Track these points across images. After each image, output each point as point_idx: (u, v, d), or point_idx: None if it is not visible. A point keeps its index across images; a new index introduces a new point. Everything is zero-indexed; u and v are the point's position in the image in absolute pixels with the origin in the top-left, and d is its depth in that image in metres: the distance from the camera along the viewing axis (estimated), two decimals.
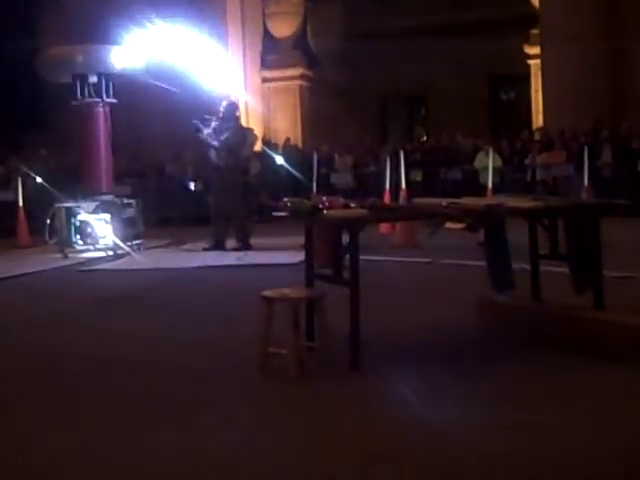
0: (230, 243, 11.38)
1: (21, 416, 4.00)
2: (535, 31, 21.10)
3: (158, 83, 12.57)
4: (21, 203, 14.55)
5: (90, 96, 12.14)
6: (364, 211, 4.64)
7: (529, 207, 4.90)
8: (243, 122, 18.69)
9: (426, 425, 3.62)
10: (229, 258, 10.43)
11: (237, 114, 12.05)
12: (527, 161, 17.17)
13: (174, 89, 12.88)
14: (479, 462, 3.14)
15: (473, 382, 4.23)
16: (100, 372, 4.79)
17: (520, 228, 5.29)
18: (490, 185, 12.53)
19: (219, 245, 11.34)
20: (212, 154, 11.44)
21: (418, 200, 5.46)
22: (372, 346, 4.77)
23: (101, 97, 12.16)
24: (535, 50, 21.16)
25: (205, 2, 20.56)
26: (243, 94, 21.09)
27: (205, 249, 11.37)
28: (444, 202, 4.87)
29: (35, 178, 18.03)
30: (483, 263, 5.49)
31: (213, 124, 11.36)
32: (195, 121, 11.43)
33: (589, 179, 13.33)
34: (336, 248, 4.85)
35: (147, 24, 12.46)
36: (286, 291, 4.66)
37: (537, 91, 21.44)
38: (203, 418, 3.84)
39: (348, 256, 4.57)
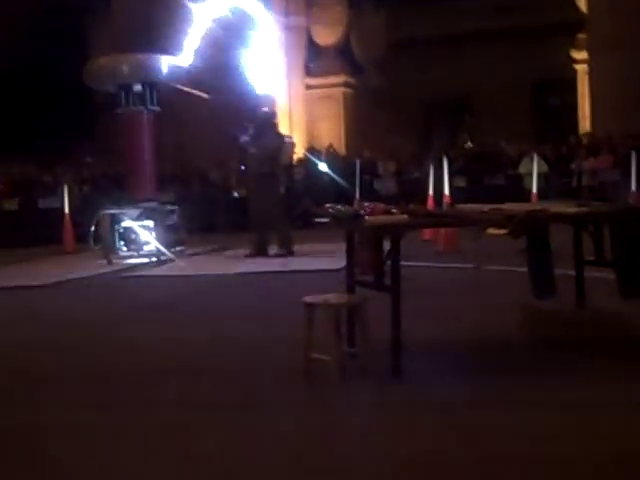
0: (272, 249, 11.40)
1: (56, 419, 4.03)
2: (582, 36, 20.91)
3: (198, 92, 12.66)
4: (67, 210, 14.72)
5: (135, 104, 12.28)
6: (405, 217, 4.61)
7: (573, 213, 4.83)
8: (287, 129, 18.79)
9: (468, 432, 3.58)
10: (271, 264, 10.45)
11: (275, 121, 12.08)
12: (573, 166, 17.00)
13: (212, 97, 12.96)
14: (520, 469, 3.10)
15: (517, 388, 4.17)
16: (147, 377, 4.81)
17: (565, 234, 5.22)
18: (535, 191, 12.41)
19: (261, 251, 11.36)
20: (250, 162, 11.49)
21: (460, 206, 5.41)
22: (414, 353, 4.73)
23: (145, 105, 12.29)
24: (582, 55, 20.98)
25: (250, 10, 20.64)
26: (286, 101, 21.17)
27: (247, 256, 11.41)
28: (486, 208, 4.82)
29: (81, 185, 18.30)
30: (526, 269, 5.43)
31: (251, 131, 11.41)
32: (232, 129, 11.50)
33: (637, 184, 13.13)
34: (377, 254, 4.82)
35: (191, 33, 12.56)
36: (328, 297, 4.65)
37: (584, 96, 21.25)
38: (246, 422, 3.85)
39: (389, 262, 4.55)
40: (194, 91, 12.64)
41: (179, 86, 12.74)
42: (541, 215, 4.66)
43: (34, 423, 3.93)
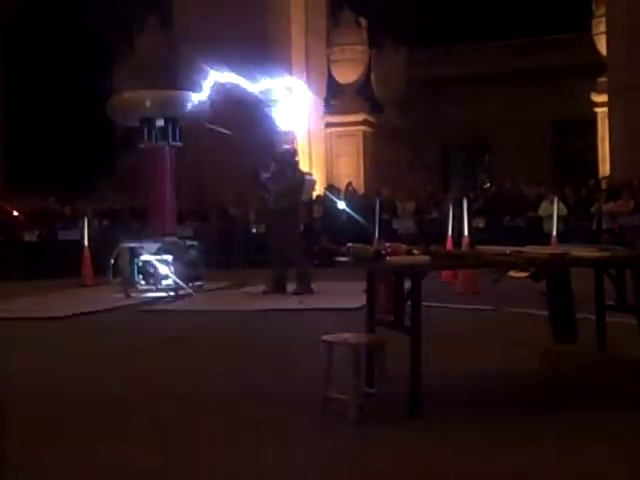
0: (291, 287, 11.40)
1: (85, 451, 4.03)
2: (602, 79, 20.97)
3: (220, 129, 12.75)
4: (86, 243, 14.79)
5: (157, 140, 12.36)
6: (427, 258, 4.61)
7: (595, 257, 4.82)
8: (306, 166, 18.88)
9: (487, 475, 3.55)
10: (289, 302, 10.44)
11: (296, 159, 12.14)
12: (593, 210, 16.95)
13: (233, 133, 13.04)
14: None
15: (535, 432, 4.14)
16: (163, 411, 4.81)
17: (585, 278, 5.20)
18: (555, 233, 12.38)
19: (279, 288, 11.36)
20: (270, 198, 11.53)
21: (481, 248, 5.41)
22: (432, 394, 4.70)
23: (167, 140, 12.37)
24: (602, 98, 21.02)
25: (271, 48, 20.87)
26: (306, 138, 21.29)
27: (265, 292, 11.41)
28: (507, 250, 4.82)
29: (101, 218, 18.41)
30: (546, 312, 5.41)
31: (272, 168, 11.47)
32: (254, 166, 11.56)
33: None
34: (398, 294, 4.82)
35: (213, 71, 12.67)
36: (347, 336, 4.64)
37: (604, 139, 21.25)
38: (259, 458, 3.84)
39: (410, 303, 4.54)
40: (216, 127, 12.71)
41: (202, 122, 12.82)
42: (563, 259, 4.65)
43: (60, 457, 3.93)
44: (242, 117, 13.16)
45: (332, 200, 17.91)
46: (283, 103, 12.42)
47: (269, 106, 12.37)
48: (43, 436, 4.33)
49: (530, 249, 4.99)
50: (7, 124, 25.33)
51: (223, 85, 12.32)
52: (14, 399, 4.73)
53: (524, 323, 7.87)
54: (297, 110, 12.26)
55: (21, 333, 8.09)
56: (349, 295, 10.23)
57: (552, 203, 14.09)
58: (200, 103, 12.32)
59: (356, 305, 8.85)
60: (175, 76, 19.82)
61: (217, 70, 12.68)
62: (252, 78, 12.43)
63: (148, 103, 12.36)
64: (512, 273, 4.78)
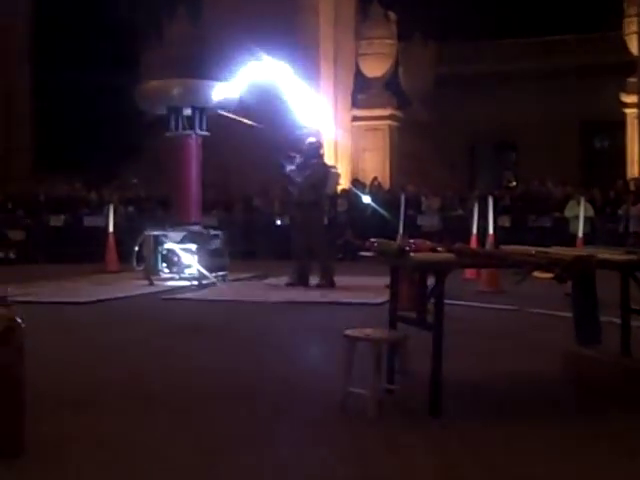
0: (313, 279, 11.40)
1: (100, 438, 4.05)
2: (632, 79, 20.78)
3: (245, 120, 12.75)
4: (111, 229, 14.85)
5: (184, 128, 12.39)
6: (451, 255, 4.58)
7: (621, 260, 4.77)
8: (332, 160, 18.85)
9: (504, 476, 3.53)
10: (312, 294, 10.44)
11: (321, 152, 12.11)
12: (620, 212, 16.82)
13: (260, 125, 13.04)
14: None
15: (553, 435, 4.11)
16: (178, 400, 4.81)
17: (611, 280, 5.16)
18: (581, 235, 12.28)
19: (302, 281, 11.36)
20: (295, 190, 11.52)
21: (506, 247, 5.37)
22: (452, 392, 4.68)
23: (194, 129, 12.40)
24: (632, 99, 20.84)
25: (299, 41, 20.85)
26: (333, 132, 21.25)
27: (288, 284, 11.41)
28: (533, 250, 4.78)
29: (126, 205, 18.50)
30: (570, 314, 5.37)
31: (297, 161, 11.46)
32: (279, 158, 11.55)
33: None
34: (421, 291, 4.80)
35: (241, 61, 12.67)
36: (369, 331, 4.63)
37: (633, 140, 21.08)
38: (278, 451, 3.83)
39: (432, 300, 4.52)
40: (246, 120, 12.70)
41: (229, 114, 12.82)
42: (589, 261, 4.61)
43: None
44: (268, 109, 13.13)
45: (357, 194, 17.88)
46: (309, 97, 12.41)
47: (295, 100, 12.35)
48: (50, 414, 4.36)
49: (556, 250, 4.95)
50: (37, 110, 25.49)
51: (251, 76, 12.33)
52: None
53: (547, 324, 7.84)
54: (322, 105, 12.24)
55: (44, 317, 8.12)
56: (372, 290, 10.24)
57: (579, 204, 13.99)
58: (228, 93, 12.33)
59: (378, 300, 8.86)
60: (203, 66, 19.85)
61: (245, 61, 12.69)
62: (279, 70, 12.42)
63: (176, 92, 12.40)
64: (537, 274, 4.75)
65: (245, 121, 12.86)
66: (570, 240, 12.34)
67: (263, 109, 13.45)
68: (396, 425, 4.30)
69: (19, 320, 3.59)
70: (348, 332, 4.59)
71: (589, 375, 5.14)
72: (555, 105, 24.11)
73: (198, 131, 12.47)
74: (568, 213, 16.51)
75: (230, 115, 12.77)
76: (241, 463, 3.70)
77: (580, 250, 5.72)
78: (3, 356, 3.49)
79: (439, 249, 4.68)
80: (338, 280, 11.41)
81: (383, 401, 4.50)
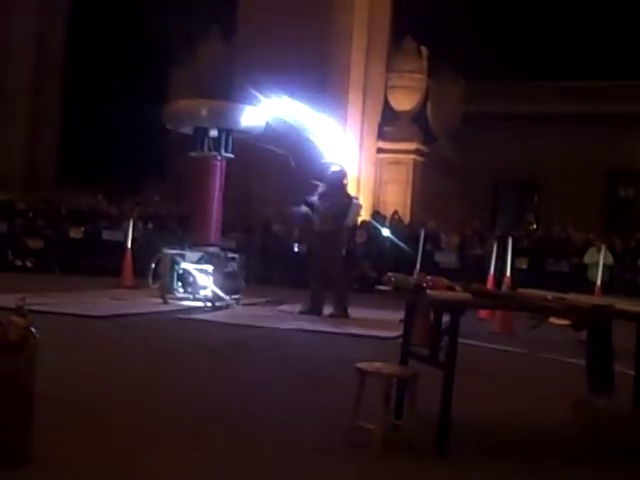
0: (327, 309, 11.38)
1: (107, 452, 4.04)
2: None
3: (270, 146, 12.79)
4: (129, 245, 14.89)
5: (209, 149, 12.44)
6: (468, 295, 4.57)
7: (639, 311, 4.74)
8: (354, 190, 18.87)
9: None
10: (325, 324, 10.42)
11: (344, 181, 12.13)
12: None
13: (285, 153, 13.07)
14: None
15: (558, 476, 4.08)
16: (185, 421, 4.80)
17: (627, 330, 5.12)
18: (599, 282, 12.21)
19: (316, 310, 11.34)
20: (316, 219, 11.53)
21: (523, 290, 5.35)
22: (460, 432, 4.65)
23: (219, 151, 12.45)
24: None
25: (330, 68, 20.97)
26: (357, 162, 21.30)
27: (301, 312, 11.40)
28: (549, 296, 4.76)
29: (146, 222, 18.58)
30: (582, 362, 5.33)
31: (320, 189, 11.48)
32: (313, 182, 11.58)
33: None
34: (435, 329, 4.79)
35: (271, 87, 12.75)
36: (380, 366, 4.61)
37: None
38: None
39: (446, 338, 4.51)
40: (273, 148, 12.73)
41: (257, 141, 12.86)
42: (606, 310, 4.58)
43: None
44: (295, 136, 13.16)
45: (376, 226, 17.88)
46: (335, 128, 12.48)
47: (320, 131, 12.40)
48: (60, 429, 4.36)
49: (573, 297, 4.92)
50: (65, 122, 25.72)
51: (279, 102, 12.39)
52: None
53: (559, 370, 7.78)
54: (348, 135, 12.28)
55: (56, 328, 8.14)
56: (385, 324, 10.21)
57: (599, 251, 13.92)
58: (255, 118, 12.39)
59: (391, 334, 8.84)
60: (232, 88, 19.98)
61: (275, 87, 12.76)
62: (309, 97, 12.49)
63: (204, 112, 12.45)
64: (553, 319, 4.72)
65: (277, 150, 12.88)
66: (587, 287, 12.28)
67: (288, 136, 13.48)
68: (401, 461, 4.28)
69: (33, 330, 3.60)
70: (359, 365, 4.57)
71: (600, 425, 5.09)
72: (583, 150, 24.03)
73: (223, 153, 12.51)
74: (587, 260, 16.43)
75: (264, 145, 12.81)
76: None
77: (598, 299, 5.68)
78: (15, 364, 3.50)
79: (456, 288, 4.67)
80: (352, 311, 11.39)
81: (390, 436, 4.47)
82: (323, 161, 12.16)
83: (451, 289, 4.65)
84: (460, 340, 4.50)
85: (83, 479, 3.62)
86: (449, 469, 4.16)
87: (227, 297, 11.77)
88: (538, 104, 24.39)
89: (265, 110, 12.43)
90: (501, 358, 8.63)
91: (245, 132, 12.65)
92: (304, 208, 11.59)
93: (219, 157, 12.52)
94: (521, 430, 5.31)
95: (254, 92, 12.69)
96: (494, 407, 5.85)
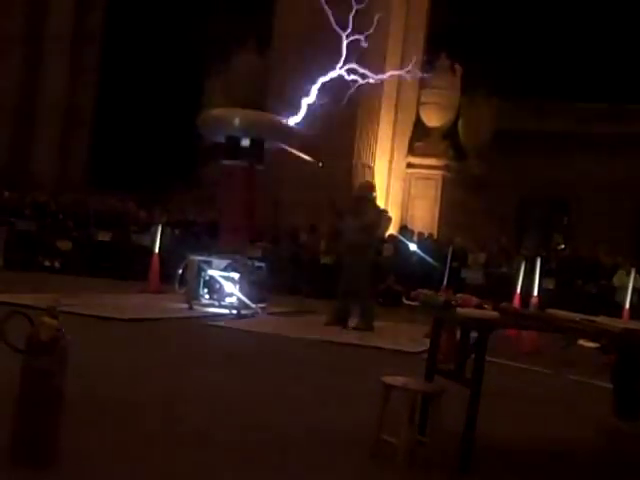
0: (352, 321, 11.37)
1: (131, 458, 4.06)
2: None
3: (304, 156, 12.82)
4: (157, 250, 14.95)
5: (240, 158, 12.48)
6: (496, 314, 4.56)
7: None
8: (383, 203, 18.88)
9: None
10: (350, 336, 10.40)
11: (374, 194, 12.13)
12: None
13: (315, 161, 13.10)
14: None
15: None
16: (207, 428, 4.81)
17: None
18: (627, 305, 12.11)
19: (341, 321, 11.34)
20: (346, 232, 11.55)
21: (551, 311, 5.32)
22: (483, 451, 4.63)
23: (250, 161, 12.49)
24: None
25: (363, 85, 20.99)
26: (386, 177, 21.32)
27: (327, 323, 11.39)
28: (578, 317, 4.73)
29: (174, 227, 18.66)
30: (609, 385, 5.30)
31: (350, 203, 11.51)
32: (334, 200, 11.62)
33: None
34: (463, 346, 4.78)
35: (304, 97, 12.80)
36: (406, 381, 4.60)
37: None
38: None
39: (473, 356, 4.50)
40: (307, 157, 12.77)
41: (290, 149, 12.90)
42: (636, 334, 4.55)
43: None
44: (326, 148, 13.19)
45: (404, 241, 17.87)
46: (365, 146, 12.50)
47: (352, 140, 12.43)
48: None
49: (602, 320, 4.89)
50: (97, 125, 25.95)
51: (312, 114, 12.44)
52: None
53: (585, 392, 7.73)
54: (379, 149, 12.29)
55: (83, 330, 8.20)
56: (409, 338, 10.20)
57: (628, 274, 13.81)
58: (289, 127, 12.45)
59: (416, 349, 8.82)
60: (265, 98, 20.08)
61: (308, 98, 12.81)
62: (341, 111, 12.53)
63: (237, 121, 12.50)
64: (582, 341, 4.70)
65: (307, 158, 12.92)
66: (615, 309, 12.18)
67: (320, 146, 13.52)
68: (424, 477, 4.26)
69: (64, 331, 3.63)
70: (385, 379, 4.57)
71: (625, 450, 5.05)
72: (614, 171, 23.88)
73: (254, 163, 12.56)
74: (616, 282, 16.29)
75: (293, 151, 12.85)
76: None
77: (628, 323, 5.64)
78: (46, 365, 3.53)
79: (485, 306, 4.66)
80: (377, 325, 11.37)
81: (413, 452, 4.46)
82: (354, 173, 12.19)
83: (480, 307, 4.64)
84: (486, 358, 4.48)
85: (111, 479, 3.63)
86: None
87: (253, 305, 11.80)
88: (569, 123, 24.29)
89: (297, 120, 12.48)
90: (527, 377, 8.57)
91: (276, 142, 12.69)
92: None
93: (250, 166, 12.56)
94: (544, 451, 5.28)
95: (286, 102, 12.76)
96: (518, 426, 5.82)
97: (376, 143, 22.01)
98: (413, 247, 17.30)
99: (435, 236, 21.16)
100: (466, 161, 24.46)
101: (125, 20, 25.37)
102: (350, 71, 19.80)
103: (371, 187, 12.12)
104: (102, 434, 4.34)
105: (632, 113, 24.23)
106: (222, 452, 4.36)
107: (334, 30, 20.44)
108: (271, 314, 12.29)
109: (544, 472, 4.70)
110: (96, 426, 4.48)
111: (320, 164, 12.75)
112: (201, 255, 12.43)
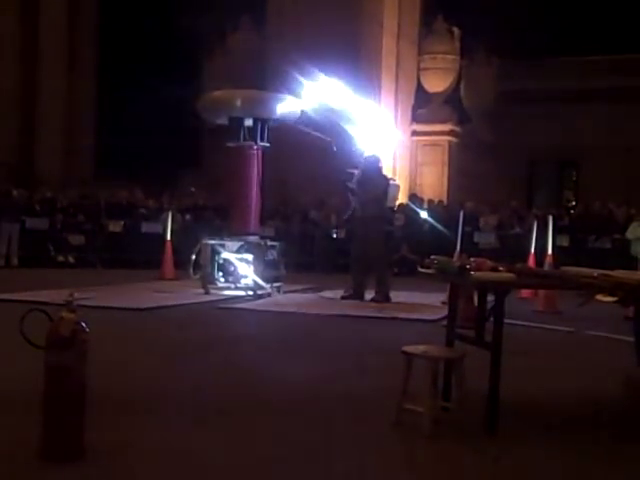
0: (369, 294, 11.38)
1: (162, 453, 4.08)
2: None
3: (312, 131, 12.76)
4: (169, 237, 14.99)
5: (245, 139, 12.44)
6: (513, 275, 4.55)
7: None
8: (390, 173, 18.83)
9: None
10: (368, 309, 10.42)
11: (380, 165, 12.11)
12: None
13: (327, 138, 13.03)
14: None
15: (613, 458, 4.05)
16: (234, 410, 4.83)
17: None
18: None
19: (358, 295, 11.35)
20: (356, 205, 11.54)
21: (567, 268, 5.31)
22: (509, 412, 4.63)
23: (255, 141, 12.45)
24: None
25: (362, 54, 20.92)
26: (392, 146, 21.24)
27: (343, 297, 11.41)
28: (595, 273, 4.72)
29: (184, 213, 18.68)
30: (630, 339, 5.29)
31: (357, 176, 11.48)
32: (343, 179, 11.58)
33: None
34: (481, 310, 4.78)
35: (305, 74, 12.73)
36: (426, 348, 4.61)
37: None
38: (333, 466, 3.83)
39: (491, 319, 4.50)
40: (316, 133, 12.70)
41: (297, 125, 12.84)
42: None
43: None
44: (330, 123, 13.13)
45: (414, 209, 17.83)
46: (369, 112, 12.44)
47: (355, 114, 12.38)
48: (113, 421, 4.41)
49: (619, 273, 4.87)
50: (100, 116, 25.95)
51: (312, 89, 12.38)
52: None
53: (606, 347, 7.73)
54: (383, 118, 12.22)
55: (102, 322, 8.24)
56: (428, 306, 10.21)
57: None
58: (290, 105, 12.39)
59: (435, 317, 8.83)
60: (266, 77, 20.01)
61: (308, 73, 12.75)
62: (343, 83, 12.46)
63: (238, 102, 12.45)
64: (600, 297, 4.69)
65: (319, 134, 12.85)
66: (631, 262, 12.16)
67: (324, 123, 13.46)
68: (451, 443, 4.28)
69: (84, 325, 3.64)
70: (405, 348, 4.57)
71: None
72: (620, 125, 23.72)
73: (259, 142, 12.52)
74: (630, 235, 16.19)
75: (305, 129, 12.79)
76: (296, 473, 3.72)
77: None
78: (67, 360, 3.55)
79: (500, 269, 4.65)
80: (394, 295, 11.38)
81: (439, 419, 4.47)
82: (357, 148, 12.14)
83: (495, 270, 4.63)
84: (505, 320, 4.48)
85: (135, 473, 3.65)
86: (499, 449, 4.16)
87: (268, 285, 11.82)
88: (571, 79, 24.11)
89: (300, 96, 12.42)
90: (547, 337, 8.58)
91: (281, 120, 12.65)
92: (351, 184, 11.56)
93: (255, 146, 12.52)
94: (570, 408, 5.29)
95: (287, 79, 12.70)
96: (542, 385, 5.82)
97: (379, 113, 21.93)
98: (424, 215, 17.24)
99: (445, 202, 21.10)
100: (471, 125, 24.34)
101: (119, 10, 25.28)
102: (348, 41, 19.73)
103: (377, 159, 12.08)
104: (126, 428, 4.35)
105: (635, 63, 24.01)
106: (249, 431, 4.39)
107: (328, 4, 20.40)
108: (287, 292, 12.32)
109: (570, 428, 4.71)
110: (119, 420, 4.49)
111: (334, 148, 12.67)
112: (213, 239, 12.44)
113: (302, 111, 12.53)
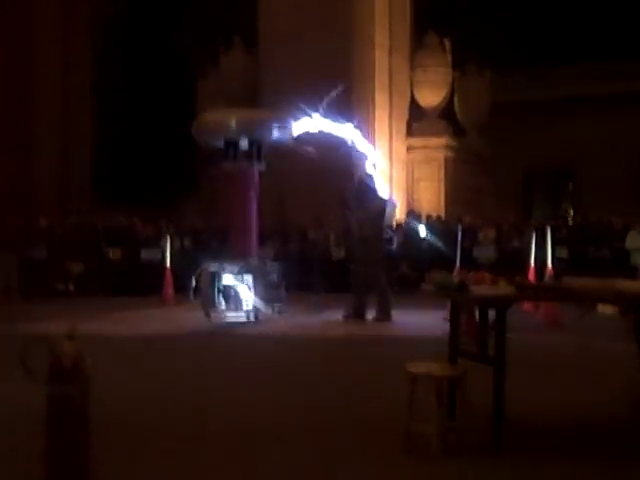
0: (370, 313, 11.35)
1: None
2: None
3: (309, 150, 12.76)
4: (168, 262, 14.97)
5: (241, 160, 12.43)
6: (512, 289, 4.54)
7: None
8: (387, 190, 18.83)
9: None
10: (370, 328, 10.40)
11: (374, 185, 12.09)
12: None
13: (321, 156, 13.02)
14: None
15: (619, 471, 4.03)
16: (237, 438, 4.81)
17: None
18: None
19: (359, 314, 11.33)
20: (354, 225, 11.54)
21: (567, 279, 5.30)
22: (515, 428, 4.62)
23: (251, 162, 12.44)
24: None
25: (355, 71, 20.95)
26: (387, 162, 21.26)
27: (345, 317, 11.38)
28: (595, 284, 4.71)
29: (182, 238, 18.65)
30: (633, 349, 5.28)
31: (353, 197, 11.50)
32: (343, 197, 11.59)
33: None
34: (482, 325, 4.76)
35: (297, 92, 12.76)
36: (430, 367, 4.60)
37: None
38: None
39: (493, 333, 4.49)
40: (304, 148, 12.69)
41: (287, 144, 12.84)
42: None
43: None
44: (323, 142, 13.13)
45: (412, 226, 17.80)
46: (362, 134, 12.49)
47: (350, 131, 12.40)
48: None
49: (620, 283, 4.87)
50: (96, 142, 25.95)
51: (305, 109, 12.38)
52: None
53: (610, 358, 7.69)
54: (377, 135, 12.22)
55: (103, 350, 8.21)
56: (429, 323, 10.18)
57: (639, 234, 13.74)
58: (284, 125, 12.39)
59: (437, 334, 8.80)
60: (259, 96, 20.05)
61: (299, 93, 12.77)
62: (334, 102, 12.48)
63: (233, 123, 12.43)
64: (600, 307, 4.68)
65: (307, 149, 12.85)
66: (631, 272, 12.14)
67: (317, 142, 13.46)
68: (460, 463, 4.25)
69: (85, 356, 3.62)
70: (409, 368, 4.56)
71: None
72: (616, 133, 23.75)
73: (255, 163, 12.51)
74: (629, 245, 16.18)
75: (299, 147, 12.79)
76: None
77: None
78: (70, 391, 3.53)
79: (500, 282, 4.64)
80: (395, 313, 11.35)
81: (446, 438, 4.45)
82: (354, 166, 12.16)
83: (495, 284, 4.62)
84: (507, 334, 4.47)
85: None
86: (507, 468, 4.13)
87: (269, 307, 11.79)
88: (564, 88, 24.16)
89: (293, 116, 12.43)
90: (550, 349, 8.55)
91: (275, 139, 12.64)
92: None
93: (251, 167, 12.51)
94: (575, 421, 5.27)
95: (280, 99, 12.71)
96: (548, 400, 5.81)
97: (374, 130, 21.94)
98: (423, 232, 17.20)
99: (443, 217, 21.07)
100: (466, 137, 24.36)
101: (113, 36, 25.34)
102: (340, 59, 19.72)
103: (371, 179, 12.07)
104: (132, 458, 4.34)
105: (631, 70, 24.03)
106: (252, 458, 4.36)
107: (319, 20, 20.45)
108: (288, 314, 12.28)
109: (577, 441, 4.69)
110: (125, 450, 4.48)
111: (310, 150, 12.68)
112: (213, 263, 12.40)
113: (296, 130, 12.53)
